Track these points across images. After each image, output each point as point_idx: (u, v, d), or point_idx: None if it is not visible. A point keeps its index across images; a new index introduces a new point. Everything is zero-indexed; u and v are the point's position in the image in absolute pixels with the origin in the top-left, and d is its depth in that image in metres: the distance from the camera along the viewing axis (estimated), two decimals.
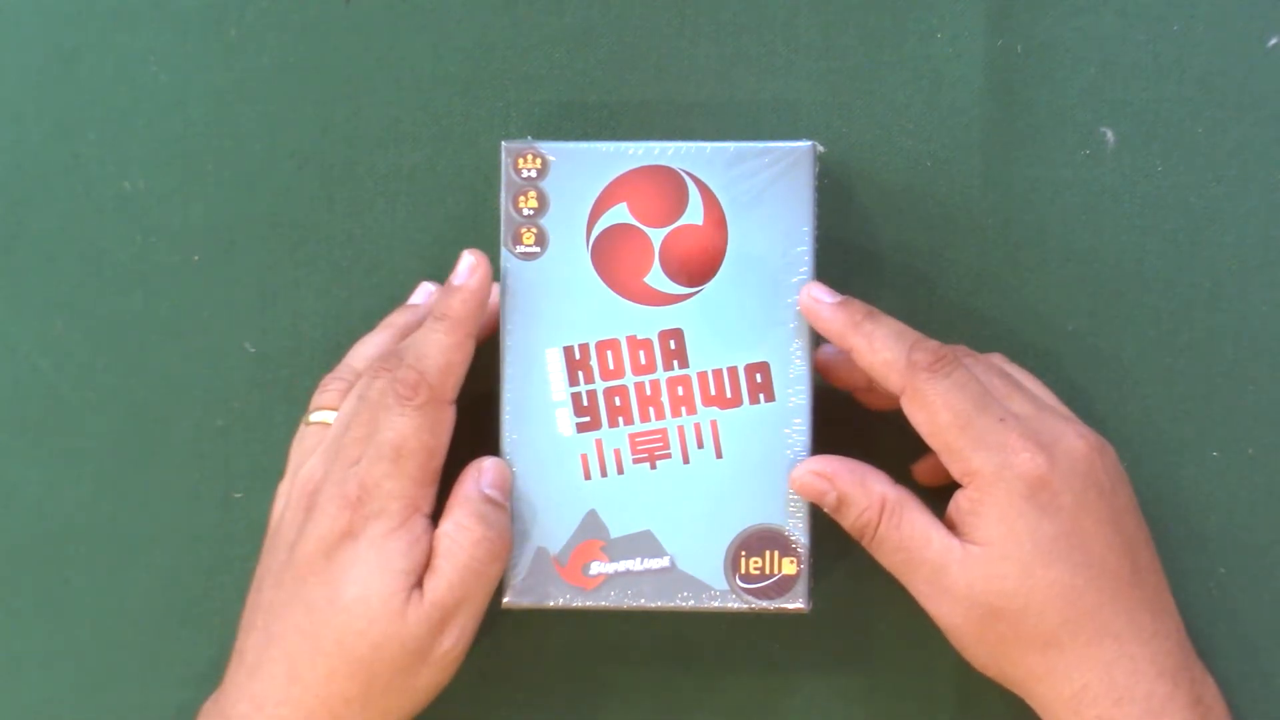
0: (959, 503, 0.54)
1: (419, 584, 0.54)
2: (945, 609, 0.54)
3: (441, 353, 0.55)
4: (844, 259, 0.61)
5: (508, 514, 0.56)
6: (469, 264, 0.56)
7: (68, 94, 0.63)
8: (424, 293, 0.61)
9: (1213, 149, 0.61)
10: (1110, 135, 0.61)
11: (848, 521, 0.55)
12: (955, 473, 0.54)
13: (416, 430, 0.54)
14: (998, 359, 0.59)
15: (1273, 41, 0.61)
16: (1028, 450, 0.53)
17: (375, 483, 0.54)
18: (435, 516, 0.55)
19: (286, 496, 0.57)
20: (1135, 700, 0.53)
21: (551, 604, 0.57)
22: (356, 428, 0.55)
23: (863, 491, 0.55)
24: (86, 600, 0.63)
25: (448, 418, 0.55)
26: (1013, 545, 0.52)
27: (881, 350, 0.54)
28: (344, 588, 0.53)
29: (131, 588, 0.63)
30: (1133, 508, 0.55)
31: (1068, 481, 0.53)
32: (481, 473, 0.56)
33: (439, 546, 0.54)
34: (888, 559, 0.55)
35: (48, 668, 0.63)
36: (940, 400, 0.53)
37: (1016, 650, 0.54)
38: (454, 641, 0.54)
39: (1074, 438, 0.54)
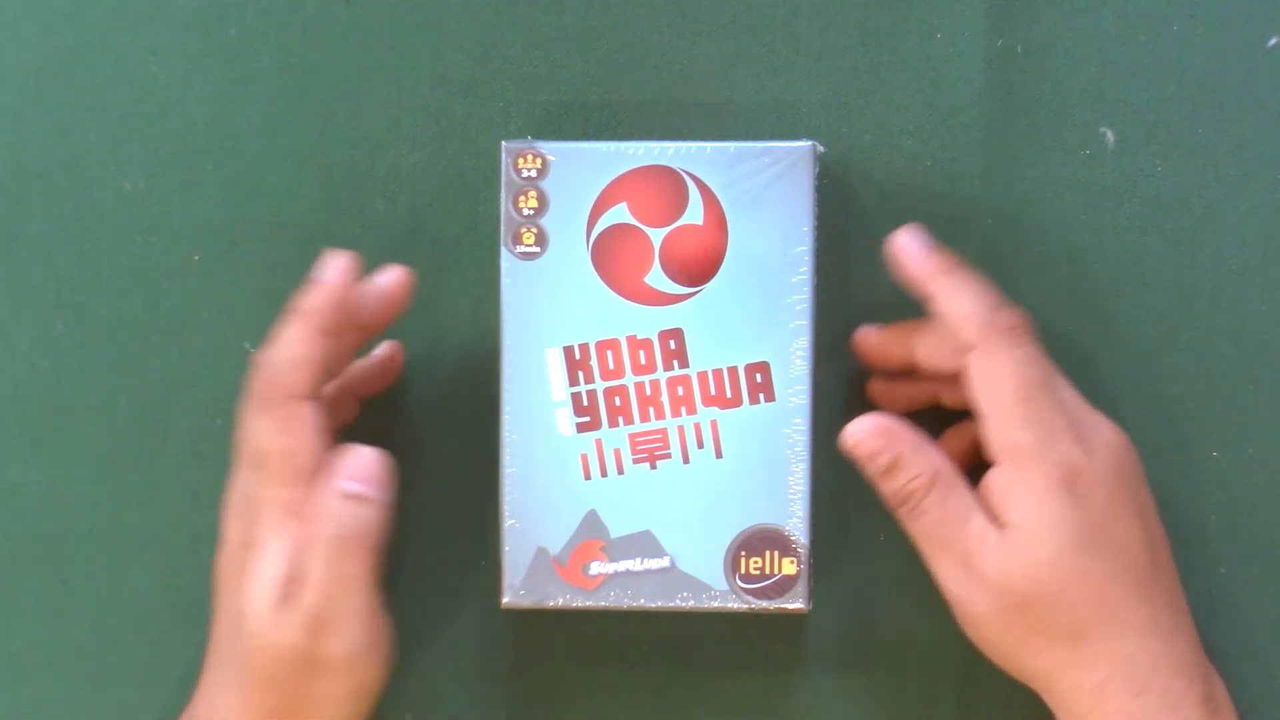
0: (993, 481, 0.53)
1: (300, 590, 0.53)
2: (975, 594, 0.54)
3: (288, 347, 0.54)
4: (844, 259, 0.61)
5: (375, 503, 0.54)
6: (326, 262, 0.55)
7: (68, 94, 0.63)
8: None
9: (1213, 149, 0.61)
10: (1110, 135, 0.61)
11: (895, 485, 0.54)
12: (996, 443, 0.53)
13: (271, 434, 0.54)
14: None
15: (1273, 41, 0.61)
16: (1070, 438, 0.53)
17: (252, 491, 0.54)
18: None
19: None
20: (1153, 695, 0.53)
21: (551, 604, 0.57)
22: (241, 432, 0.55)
23: (919, 458, 0.54)
24: (86, 600, 0.63)
25: (304, 414, 0.54)
26: (1048, 530, 0.52)
27: (966, 302, 0.54)
28: (241, 598, 0.53)
29: (131, 588, 0.63)
30: (1153, 506, 0.55)
31: (1102, 474, 0.53)
32: (338, 468, 0.54)
33: (306, 550, 0.53)
34: (924, 532, 0.54)
35: (48, 668, 0.63)
36: (1010, 366, 0.53)
37: (1043, 640, 0.53)
38: (344, 646, 0.53)
39: (1110, 432, 0.54)
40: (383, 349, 0.61)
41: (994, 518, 0.53)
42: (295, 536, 0.53)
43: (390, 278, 0.57)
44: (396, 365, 0.61)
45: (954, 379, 0.57)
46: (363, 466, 0.54)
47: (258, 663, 0.53)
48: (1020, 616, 0.53)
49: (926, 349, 0.57)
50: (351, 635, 0.53)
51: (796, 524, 0.57)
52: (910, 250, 0.56)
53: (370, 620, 0.54)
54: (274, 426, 0.54)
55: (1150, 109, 0.61)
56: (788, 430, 0.56)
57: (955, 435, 0.59)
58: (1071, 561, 0.52)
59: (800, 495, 0.56)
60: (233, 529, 0.55)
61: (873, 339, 0.59)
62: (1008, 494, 0.53)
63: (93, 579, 0.63)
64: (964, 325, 0.54)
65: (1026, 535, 0.53)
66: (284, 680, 0.53)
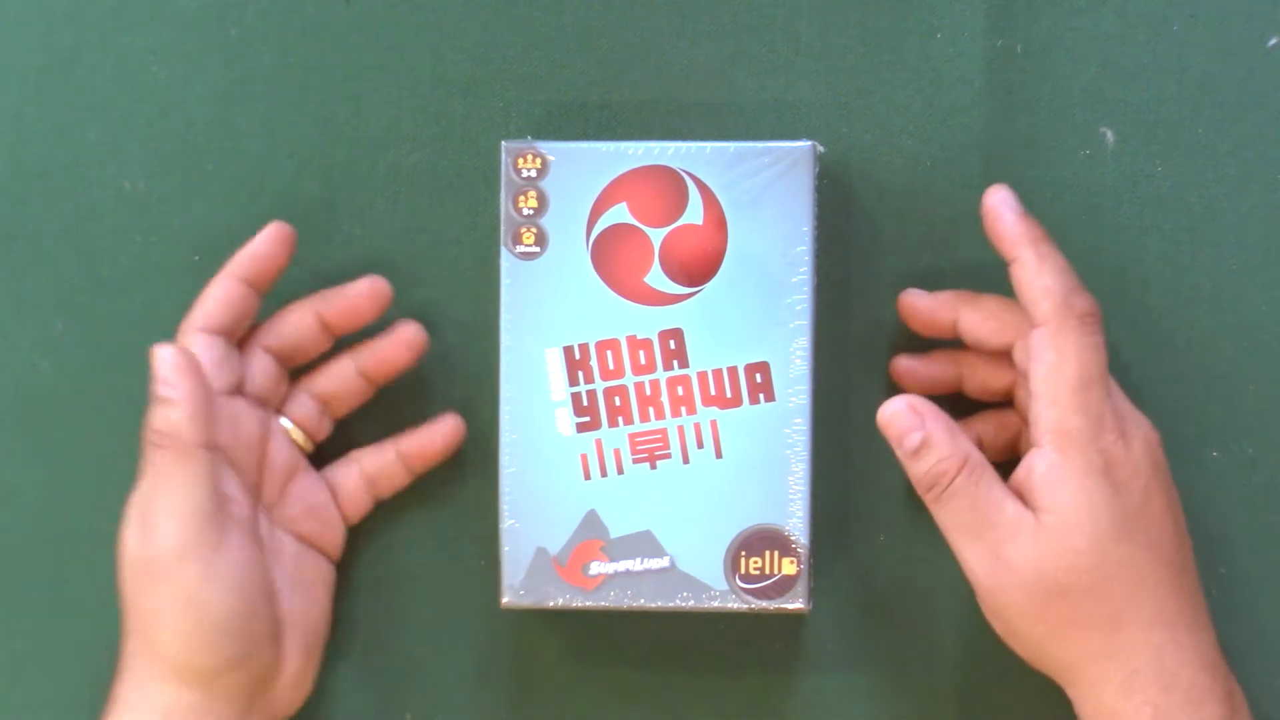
0: (1033, 464, 0.53)
1: None
2: (1007, 583, 0.53)
3: (202, 292, 0.58)
4: (844, 259, 0.61)
5: (176, 403, 0.54)
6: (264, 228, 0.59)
7: (68, 94, 0.63)
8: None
9: (1213, 149, 0.61)
10: (1110, 135, 0.61)
11: (924, 467, 0.54)
12: (1044, 425, 0.53)
13: (162, 356, 0.55)
14: None
15: (1273, 41, 0.61)
16: (1114, 431, 0.53)
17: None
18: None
19: None
20: (1179, 688, 0.53)
21: (551, 604, 0.57)
22: None
23: (950, 439, 0.54)
24: (86, 600, 0.63)
25: (196, 341, 0.57)
26: (1088, 517, 0.52)
27: (1048, 276, 0.54)
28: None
29: None
30: (1180, 503, 0.56)
31: (1140, 467, 0.53)
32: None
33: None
34: (954, 518, 0.54)
35: (48, 668, 0.63)
36: (1077, 352, 0.53)
37: (1075, 630, 0.53)
38: (162, 542, 0.54)
39: (1149, 429, 0.55)
40: (403, 330, 0.60)
41: (1030, 500, 0.53)
42: None
43: (363, 282, 0.59)
44: (418, 346, 0.60)
45: (992, 356, 0.57)
46: (161, 367, 0.55)
47: (124, 576, 0.55)
48: (1054, 605, 0.53)
49: (971, 321, 0.57)
50: (170, 533, 0.54)
51: (796, 524, 0.57)
52: (1003, 210, 0.55)
53: (191, 523, 0.54)
54: (169, 349, 0.55)
55: (1150, 109, 0.61)
56: (788, 430, 0.56)
57: (965, 428, 0.59)
58: (1111, 548, 0.52)
59: (800, 495, 0.56)
60: None
61: (921, 301, 0.58)
62: (1047, 478, 0.53)
63: (93, 579, 0.63)
64: (1041, 300, 0.54)
65: (1065, 521, 0.52)
66: (132, 592, 0.55)
